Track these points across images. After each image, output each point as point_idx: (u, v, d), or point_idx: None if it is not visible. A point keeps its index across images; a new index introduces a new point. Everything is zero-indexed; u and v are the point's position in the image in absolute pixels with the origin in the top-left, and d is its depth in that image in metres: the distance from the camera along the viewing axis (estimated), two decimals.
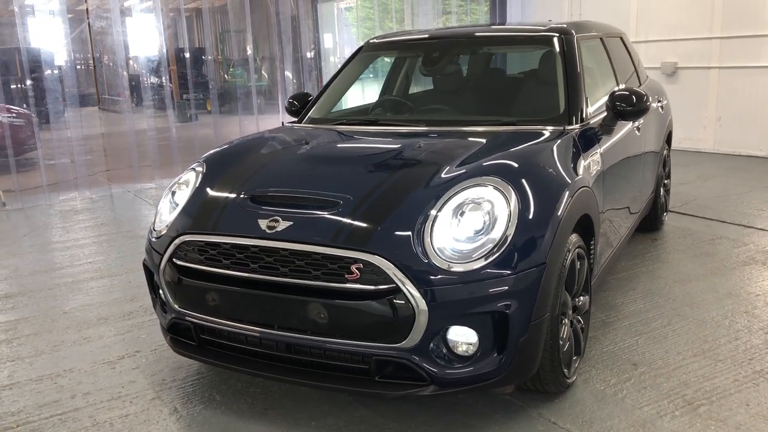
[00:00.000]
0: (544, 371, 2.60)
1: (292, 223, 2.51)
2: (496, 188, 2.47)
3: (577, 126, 3.18)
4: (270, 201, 2.68)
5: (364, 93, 5.57)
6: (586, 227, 2.90)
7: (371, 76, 7.48)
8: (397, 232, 2.40)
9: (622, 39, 4.65)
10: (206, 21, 14.30)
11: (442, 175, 2.61)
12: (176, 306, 2.79)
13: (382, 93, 4.19)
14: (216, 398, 2.91)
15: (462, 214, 2.43)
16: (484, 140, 2.98)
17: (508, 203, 2.43)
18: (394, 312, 2.34)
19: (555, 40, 3.56)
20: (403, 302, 2.31)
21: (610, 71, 4.05)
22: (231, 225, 2.67)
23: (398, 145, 3.11)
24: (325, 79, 13.60)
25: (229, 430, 2.66)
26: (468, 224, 2.41)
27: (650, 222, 4.91)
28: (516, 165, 2.64)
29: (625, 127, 3.66)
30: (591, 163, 3.03)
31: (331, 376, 2.52)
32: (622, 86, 3.94)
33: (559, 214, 2.52)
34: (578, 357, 2.89)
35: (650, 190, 4.57)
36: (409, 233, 2.39)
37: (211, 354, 2.78)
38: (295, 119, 4.00)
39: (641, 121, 3.94)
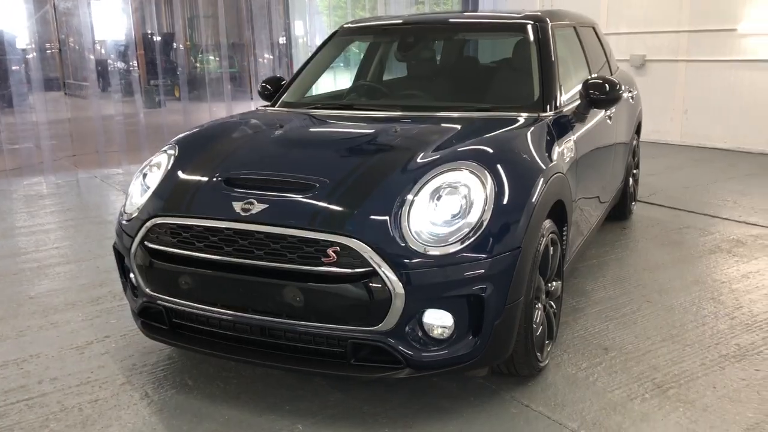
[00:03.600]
0: (518, 354, 2.62)
1: (267, 205, 2.49)
2: (472, 173, 2.48)
3: (551, 113, 3.20)
4: (244, 183, 2.65)
5: (335, 78, 5.53)
6: (559, 213, 2.93)
7: (341, 64, 7.48)
8: (374, 216, 2.40)
9: (594, 29, 4.69)
10: (176, 5, 14.05)
11: (419, 160, 2.60)
12: (147, 290, 2.75)
13: (356, 78, 4.16)
14: (188, 383, 2.88)
15: (439, 198, 2.43)
16: (459, 126, 2.98)
17: (485, 187, 2.44)
18: (370, 295, 2.33)
19: (529, 27, 3.58)
20: (380, 285, 2.31)
21: (583, 60, 4.08)
22: (204, 207, 2.63)
23: (373, 130, 3.09)
24: (296, 66, 13.49)
25: (201, 415, 2.64)
26: (445, 208, 2.42)
27: (619, 211, 4.98)
28: (492, 150, 2.65)
29: (597, 116, 3.70)
30: (565, 150, 3.06)
31: (306, 360, 2.50)
32: (594, 75, 3.97)
33: (534, 199, 2.54)
34: (550, 341, 2.92)
35: (620, 179, 4.63)
36: (386, 217, 2.38)
37: (182, 338, 2.75)
38: (268, 103, 3.96)
39: (613, 110, 3.98)
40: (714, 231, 4.87)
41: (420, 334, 2.39)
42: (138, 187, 2.98)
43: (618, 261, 4.29)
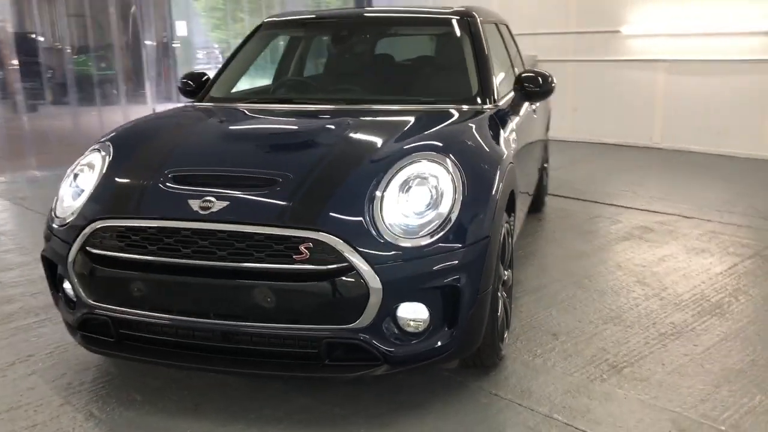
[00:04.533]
0: (485, 344, 2.63)
1: (228, 203, 2.35)
2: (438, 163, 2.46)
3: (491, 106, 3.25)
4: (198, 181, 2.49)
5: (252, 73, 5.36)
6: (509, 203, 2.97)
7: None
8: (346, 209, 2.32)
9: (507, 27, 4.83)
10: (42, 4, 13.11)
11: (383, 151, 2.56)
12: (89, 300, 2.52)
13: (279, 72, 4.03)
14: (136, 398, 2.67)
15: (408, 189, 2.39)
16: (411, 118, 2.95)
17: (452, 178, 2.43)
18: (346, 292, 2.26)
19: (462, 22, 3.62)
20: (356, 281, 2.24)
21: (506, 55, 4.19)
22: (156, 208, 2.45)
23: (325, 123, 3.01)
24: (180, 67, 12.94)
25: (161, 430, 2.45)
26: (415, 200, 2.38)
27: (535, 203, 5.15)
28: (454, 141, 2.65)
29: (526, 110, 3.80)
30: (510, 141, 3.11)
31: (277, 364, 2.39)
32: (518, 69, 4.08)
33: (497, 188, 2.56)
34: (506, 330, 2.96)
35: (538, 172, 4.78)
36: (359, 210, 2.32)
37: (132, 350, 2.55)
38: (191, 100, 3.77)
39: (537, 104, 4.11)
40: (622, 219, 5.15)
41: (396, 328, 2.34)
42: (69, 189, 2.73)
43: (542, 251, 4.44)
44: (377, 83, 3.59)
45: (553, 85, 3.44)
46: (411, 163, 2.45)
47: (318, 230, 2.26)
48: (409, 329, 2.36)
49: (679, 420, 2.44)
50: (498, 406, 2.57)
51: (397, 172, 2.42)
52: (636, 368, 2.83)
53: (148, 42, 10.73)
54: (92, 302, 2.53)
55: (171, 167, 2.57)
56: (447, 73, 3.59)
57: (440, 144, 2.58)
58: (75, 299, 2.63)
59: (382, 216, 2.31)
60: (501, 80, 3.61)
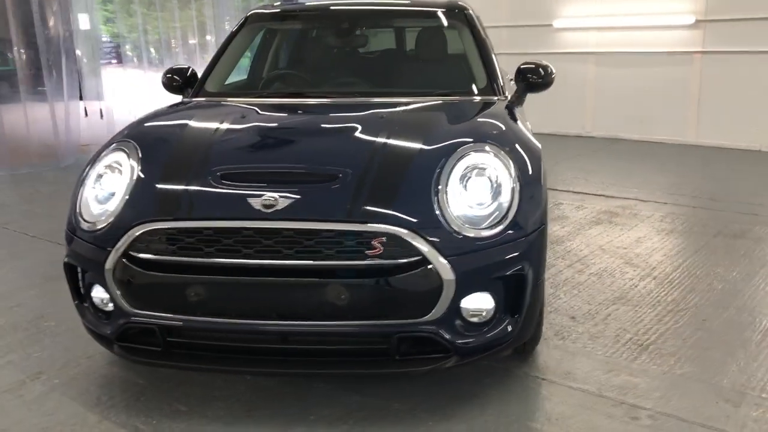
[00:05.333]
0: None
1: (292, 200, 2.27)
2: (493, 154, 2.48)
3: (501, 97, 3.30)
4: (252, 179, 2.39)
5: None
6: None
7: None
8: (415, 203, 2.30)
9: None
10: None
11: (432, 143, 2.55)
12: (131, 308, 2.38)
13: (272, 65, 3.92)
14: (180, 408, 2.54)
15: (467, 181, 2.40)
16: (440, 109, 2.96)
17: (507, 168, 2.46)
18: (420, 285, 2.24)
19: (460, 14, 3.66)
20: (430, 274, 2.23)
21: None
22: (211, 208, 2.34)
23: (359, 116, 2.96)
24: (85, 60, 12.23)
25: None
26: (475, 191, 2.40)
27: None
28: (501, 132, 2.68)
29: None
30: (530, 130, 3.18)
31: (344, 362, 2.35)
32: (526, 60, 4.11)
33: (544, 176, 2.61)
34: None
35: None
36: (428, 203, 2.31)
37: (181, 358, 2.42)
38: (177, 95, 3.61)
39: None
40: (586, 205, 5.36)
41: (465, 319, 2.35)
42: (92, 191, 2.56)
43: None
44: (386, 75, 3.56)
45: (552, 76, 3.52)
46: (466, 155, 2.46)
47: (392, 224, 2.23)
48: (475, 319, 2.37)
49: (722, 392, 2.59)
50: (550, 390, 2.63)
51: (455, 164, 2.42)
52: (660, 345, 2.98)
53: (48, 36, 10.08)
54: (135, 310, 2.38)
55: (217, 166, 2.45)
56: (453, 65, 3.61)
57: (489, 136, 2.61)
58: (111, 308, 2.47)
59: (449, 208, 2.31)
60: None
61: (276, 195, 2.28)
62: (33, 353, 3.01)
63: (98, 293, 2.50)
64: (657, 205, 5.32)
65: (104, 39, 13.49)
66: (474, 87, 3.37)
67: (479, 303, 2.36)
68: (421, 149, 2.51)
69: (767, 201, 5.39)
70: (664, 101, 7.99)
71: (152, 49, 9.15)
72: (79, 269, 2.59)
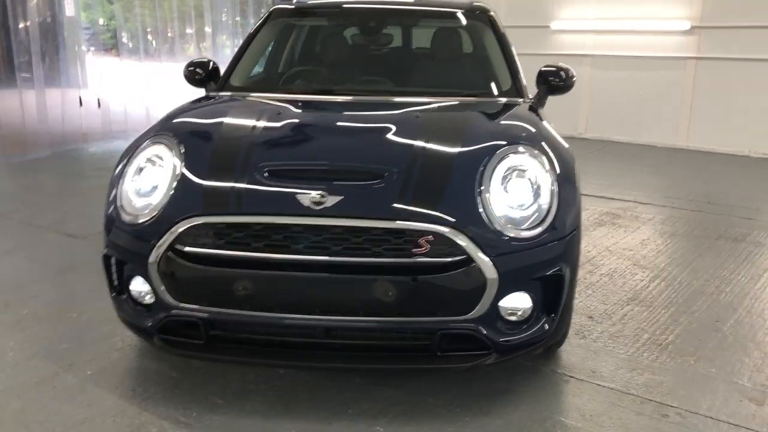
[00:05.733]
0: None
1: (342, 197, 2.31)
2: (532, 156, 2.54)
3: (527, 99, 3.37)
4: (299, 175, 2.42)
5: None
6: None
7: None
8: (460, 203, 2.36)
9: None
10: None
11: (471, 144, 2.60)
12: (175, 301, 2.40)
13: (295, 61, 3.93)
14: (218, 402, 2.56)
15: (508, 182, 2.46)
16: (473, 109, 3.01)
17: (546, 170, 2.52)
18: (465, 283, 2.30)
19: (483, 16, 3.72)
20: (475, 272, 2.29)
21: None
22: (261, 203, 2.37)
23: (396, 115, 3.00)
24: (68, 48, 12.06)
25: (267, 431, 2.39)
26: (516, 192, 2.45)
27: None
28: (536, 133, 2.74)
29: None
30: None
31: (388, 357, 2.39)
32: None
33: (578, 177, 2.68)
34: None
35: None
36: (472, 204, 2.36)
37: (223, 351, 2.45)
38: (199, 88, 3.63)
39: None
40: (587, 206, 5.44)
41: (505, 317, 2.41)
42: (132, 184, 2.57)
43: None
44: (411, 74, 3.59)
45: (573, 79, 3.60)
46: (506, 156, 2.51)
47: (439, 224, 2.28)
48: (513, 318, 2.43)
49: (744, 390, 2.69)
50: (578, 387, 2.70)
51: (496, 166, 2.47)
52: (678, 345, 3.07)
53: (29, 22, 9.93)
54: (177, 303, 2.41)
55: (263, 162, 2.47)
56: (477, 65, 3.67)
57: (527, 138, 2.66)
58: (151, 301, 2.49)
59: (492, 209, 2.37)
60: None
61: (325, 192, 2.31)
62: (60, 345, 3.00)
63: (137, 286, 2.52)
64: (656, 208, 5.44)
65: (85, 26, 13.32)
66: (498, 88, 3.43)
67: (517, 302, 2.42)
68: (461, 151, 2.56)
69: (762, 206, 5.54)
70: (658, 105, 8.14)
71: (150, 38, 9.07)
72: (113, 261, 2.60)
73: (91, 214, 4.97)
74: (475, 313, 2.33)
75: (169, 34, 9.15)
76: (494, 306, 2.35)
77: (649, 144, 8.22)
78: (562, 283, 2.45)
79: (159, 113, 8.82)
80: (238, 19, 9.67)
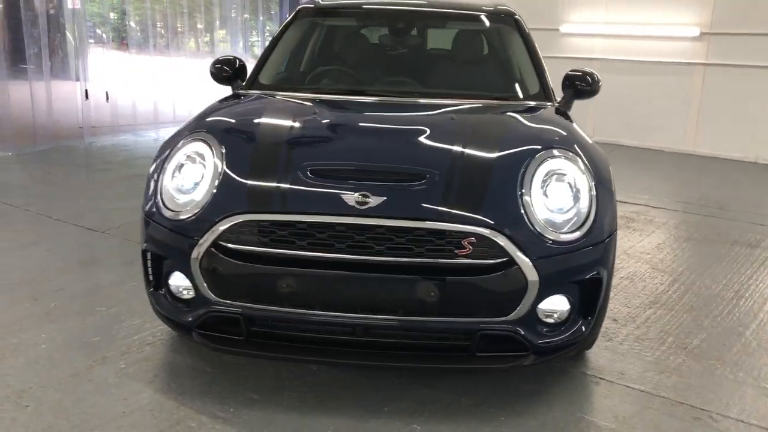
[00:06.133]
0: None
1: (385, 198, 2.33)
2: (570, 160, 2.57)
3: (555, 102, 3.40)
4: (342, 175, 2.44)
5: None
6: None
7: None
8: (501, 206, 2.38)
9: None
10: None
11: (510, 147, 2.62)
12: (216, 297, 2.42)
13: (322, 61, 3.93)
14: (254, 397, 2.58)
15: (548, 185, 2.49)
16: (507, 111, 3.04)
17: (584, 174, 2.55)
18: (506, 285, 2.33)
19: (509, 19, 3.74)
20: (517, 274, 2.31)
21: None
22: (306, 203, 2.39)
23: (431, 117, 3.03)
24: (70, 39, 12.01)
25: (302, 428, 2.40)
26: (556, 196, 2.48)
27: None
28: (572, 137, 2.77)
29: None
30: None
31: (428, 356, 2.42)
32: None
33: (612, 180, 2.71)
34: None
35: None
36: (514, 207, 2.39)
37: (263, 347, 2.48)
38: (225, 85, 3.65)
39: None
40: None
41: (544, 319, 2.44)
42: (172, 181, 2.58)
43: None
44: (440, 76, 3.61)
45: (599, 83, 3.62)
46: (546, 161, 2.54)
47: (482, 226, 2.30)
48: (550, 320, 2.46)
49: None
50: (609, 389, 2.74)
51: (536, 170, 2.50)
52: (704, 348, 3.11)
53: (31, 12, 9.88)
54: (218, 299, 2.43)
55: (305, 161, 2.49)
56: (505, 68, 3.69)
57: (563, 142, 2.69)
58: (190, 296, 2.51)
59: (534, 212, 2.39)
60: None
61: (369, 192, 2.33)
62: (92, 338, 3.01)
63: (177, 281, 2.54)
64: (669, 212, 5.49)
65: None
66: (526, 92, 3.46)
67: (556, 305, 2.45)
68: (500, 154, 2.58)
69: None
70: (666, 110, 8.19)
71: (159, 28, 9.06)
72: (151, 256, 2.61)
73: (107, 209, 5.01)
74: (515, 314, 2.36)
75: (179, 28, 9.15)
76: (534, 308, 2.38)
77: (656, 148, 8.28)
78: (599, 286, 2.48)
79: (166, 108, 8.77)
80: (246, 16, 9.66)
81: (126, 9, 9.46)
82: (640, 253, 4.42)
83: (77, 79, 8.88)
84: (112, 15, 12.03)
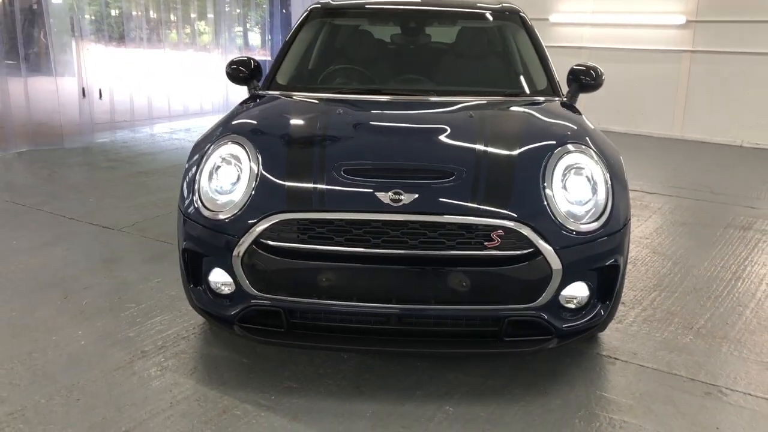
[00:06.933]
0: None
1: (418, 195, 2.48)
2: (587, 154, 2.72)
3: (562, 97, 3.55)
4: (376, 174, 2.57)
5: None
6: None
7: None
8: (526, 200, 2.53)
9: None
10: None
11: (529, 143, 2.77)
12: (256, 291, 2.56)
13: (336, 60, 4.04)
14: (293, 386, 2.73)
15: (568, 179, 2.64)
16: (521, 107, 3.19)
17: (600, 167, 2.70)
18: (533, 274, 2.48)
19: (515, 17, 3.89)
20: (542, 264, 2.47)
21: None
22: (343, 201, 2.52)
23: (450, 114, 3.16)
24: (55, 35, 11.96)
25: (342, 414, 2.55)
26: (575, 189, 2.63)
27: None
28: (586, 132, 2.92)
29: None
30: None
31: (459, 342, 2.58)
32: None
33: (624, 171, 2.87)
34: None
35: None
36: (538, 200, 2.54)
37: (303, 337, 2.62)
38: (242, 85, 3.76)
39: None
40: None
41: (566, 305, 2.60)
42: (209, 182, 2.71)
43: None
44: (453, 74, 3.75)
45: (603, 77, 3.78)
46: (565, 155, 2.69)
47: (509, 219, 2.46)
48: (571, 305, 2.63)
49: None
50: (624, 368, 2.91)
51: (556, 164, 2.65)
52: (709, 327, 3.30)
53: (12, 8, 9.84)
54: (259, 293, 2.56)
55: (338, 161, 2.62)
56: (514, 65, 3.83)
57: (578, 137, 2.84)
58: (229, 291, 2.64)
59: (556, 205, 2.55)
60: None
61: (401, 190, 2.48)
62: (127, 333, 3.13)
63: (217, 277, 2.66)
64: (663, 197, 5.68)
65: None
66: (534, 87, 3.61)
67: (576, 291, 2.61)
68: (521, 150, 2.73)
69: (762, 195, 5.82)
70: (654, 97, 8.40)
71: (152, 21, 9.09)
72: (189, 254, 2.74)
73: (119, 206, 5.11)
74: (540, 301, 2.52)
75: (172, 21, 9.18)
76: (557, 295, 2.54)
77: (645, 134, 8.49)
78: (617, 272, 2.65)
79: (161, 103, 8.76)
80: (238, 11, 9.71)
81: (121, 2, 9.47)
82: (640, 238, 4.61)
83: (67, 75, 8.89)
84: (109, 11, 11.98)
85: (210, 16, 9.38)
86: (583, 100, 8.57)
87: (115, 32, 9.17)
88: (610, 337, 3.18)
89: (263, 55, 10.84)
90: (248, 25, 10.72)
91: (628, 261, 4.06)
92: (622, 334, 3.21)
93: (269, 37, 10.75)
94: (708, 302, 3.59)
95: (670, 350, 3.06)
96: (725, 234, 4.73)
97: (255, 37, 11.08)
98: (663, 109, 8.38)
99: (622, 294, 3.56)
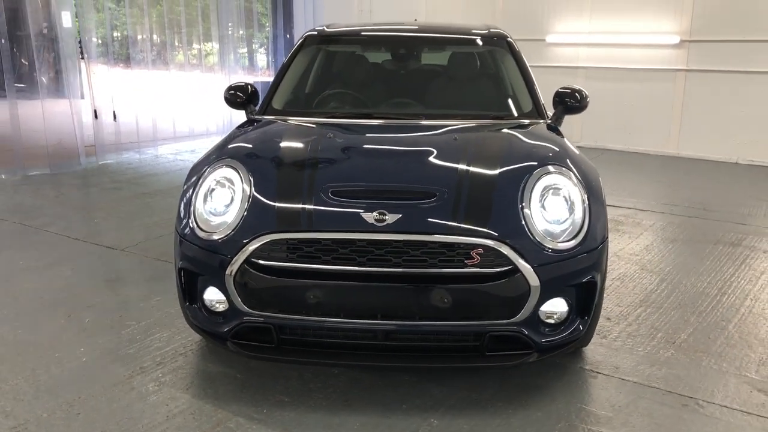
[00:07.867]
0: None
1: (401, 215, 2.60)
2: (565, 175, 2.85)
3: (547, 120, 3.68)
4: (361, 195, 2.70)
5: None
6: None
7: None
8: (505, 220, 2.65)
9: None
10: None
11: (508, 164, 2.90)
12: (248, 308, 2.68)
13: (330, 86, 4.18)
14: (284, 400, 2.84)
15: (546, 199, 2.76)
16: (503, 130, 3.32)
17: (578, 187, 2.82)
18: (512, 290, 2.60)
19: (501, 41, 4.03)
20: (520, 281, 2.59)
21: None
22: (329, 221, 2.65)
23: (437, 137, 3.30)
24: (63, 60, 12.19)
25: (331, 426, 2.66)
26: (553, 209, 2.75)
27: None
28: (565, 154, 3.04)
29: None
30: None
31: (442, 356, 2.69)
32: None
33: (603, 191, 2.99)
34: None
35: None
36: (516, 220, 2.66)
37: (292, 353, 2.73)
38: (240, 110, 3.91)
39: None
40: None
41: (545, 320, 2.71)
42: (204, 204, 2.84)
43: None
44: (442, 98, 3.90)
45: (587, 99, 3.91)
46: (543, 176, 2.82)
47: (488, 238, 2.58)
48: (550, 321, 2.74)
49: (753, 382, 3.01)
50: (606, 381, 3.01)
51: (534, 185, 2.77)
52: (691, 342, 3.39)
53: (23, 33, 10.07)
54: (250, 310, 2.68)
55: (326, 183, 2.75)
56: (500, 89, 3.97)
57: (558, 158, 2.96)
58: (223, 309, 2.76)
59: (534, 224, 2.67)
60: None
61: (385, 210, 2.60)
62: (127, 350, 3.26)
63: (211, 295, 2.79)
64: (656, 215, 5.78)
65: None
66: (521, 110, 3.74)
67: (555, 306, 2.72)
68: (501, 171, 2.86)
69: (753, 211, 5.91)
70: (649, 115, 8.53)
71: (157, 43, 9.29)
72: (184, 273, 2.86)
73: (123, 227, 5.25)
74: (519, 316, 2.63)
75: (177, 44, 9.38)
76: (536, 310, 2.65)
77: (641, 152, 8.60)
78: (594, 288, 2.76)
79: (166, 125, 8.94)
80: (242, 32, 9.92)
81: (127, 26, 9.68)
82: (630, 255, 4.71)
83: (74, 97, 9.07)
84: (116, 34, 12.22)
85: (214, 37, 9.58)
86: (579, 119, 8.80)
87: (122, 54, 9.38)
88: (593, 351, 3.27)
89: (268, 76, 11.04)
90: (254, 46, 10.94)
91: (616, 277, 4.21)
92: (605, 349, 3.31)
93: (273, 59, 10.96)
94: (692, 317, 3.68)
95: (651, 364, 3.16)
96: (714, 250, 4.82)
97: (260, 59, 11.30)
98: (659, 126, 8.49)
99: (609, 310, 3.72)
